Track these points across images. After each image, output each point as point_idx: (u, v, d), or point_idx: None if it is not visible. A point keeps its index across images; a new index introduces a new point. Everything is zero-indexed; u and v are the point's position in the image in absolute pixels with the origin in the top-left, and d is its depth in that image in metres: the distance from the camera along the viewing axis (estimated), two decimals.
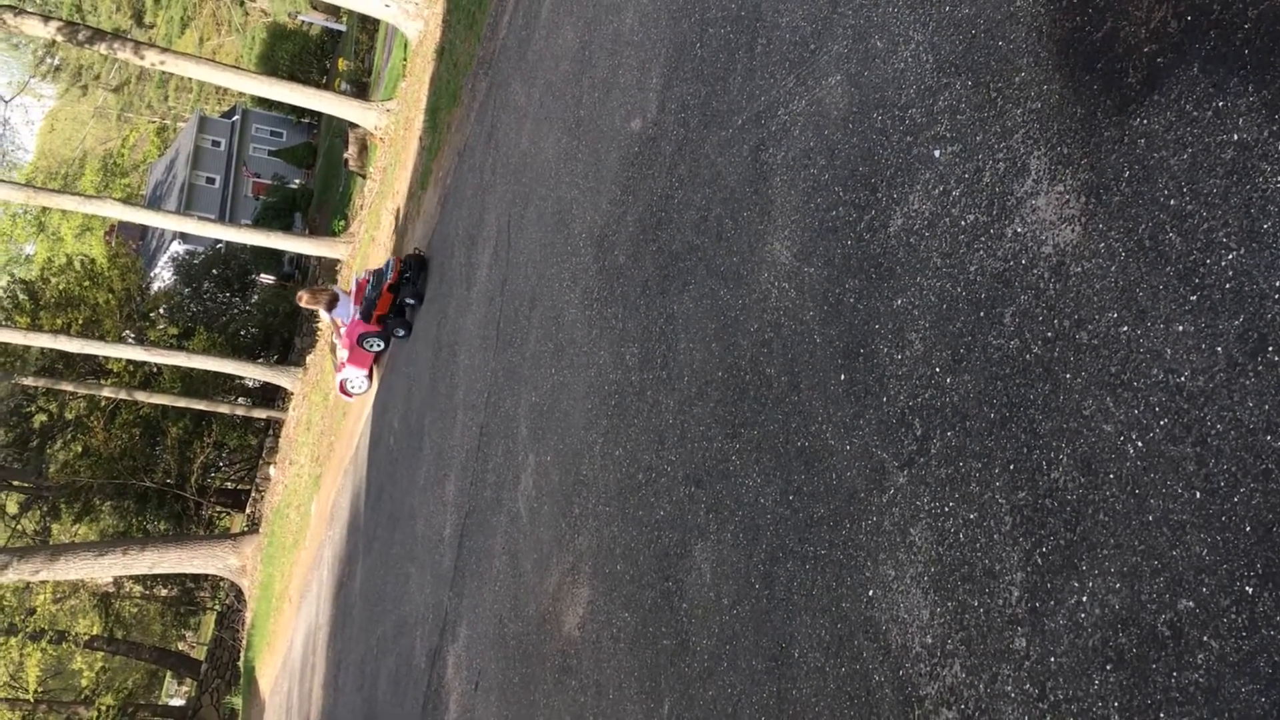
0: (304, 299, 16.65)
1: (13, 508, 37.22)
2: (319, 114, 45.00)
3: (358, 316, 15.80)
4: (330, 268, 26.56)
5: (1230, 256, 2.47)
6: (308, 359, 26.18)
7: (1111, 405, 2.72)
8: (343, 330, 16.16)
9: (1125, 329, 2.72)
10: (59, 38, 18.79)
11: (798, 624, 3.91)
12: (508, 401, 8.34)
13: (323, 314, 16.76)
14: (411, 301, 13.63)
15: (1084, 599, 2.68)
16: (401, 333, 14.05)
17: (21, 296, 32.08)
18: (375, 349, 16.05)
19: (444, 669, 8.65)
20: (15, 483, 35.01)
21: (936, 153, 3.62)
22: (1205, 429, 2.45)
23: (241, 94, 52.72)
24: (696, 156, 5.61)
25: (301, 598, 19.40)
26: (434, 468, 10.58)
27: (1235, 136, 2.52)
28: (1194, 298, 2.54)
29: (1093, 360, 2.80)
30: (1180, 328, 2.56)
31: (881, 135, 3.97)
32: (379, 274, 14.30)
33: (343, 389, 16.96)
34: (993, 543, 3.02)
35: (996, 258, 3.24)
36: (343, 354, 16.36)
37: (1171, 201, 2.66)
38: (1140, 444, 2.61)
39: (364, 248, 20.53)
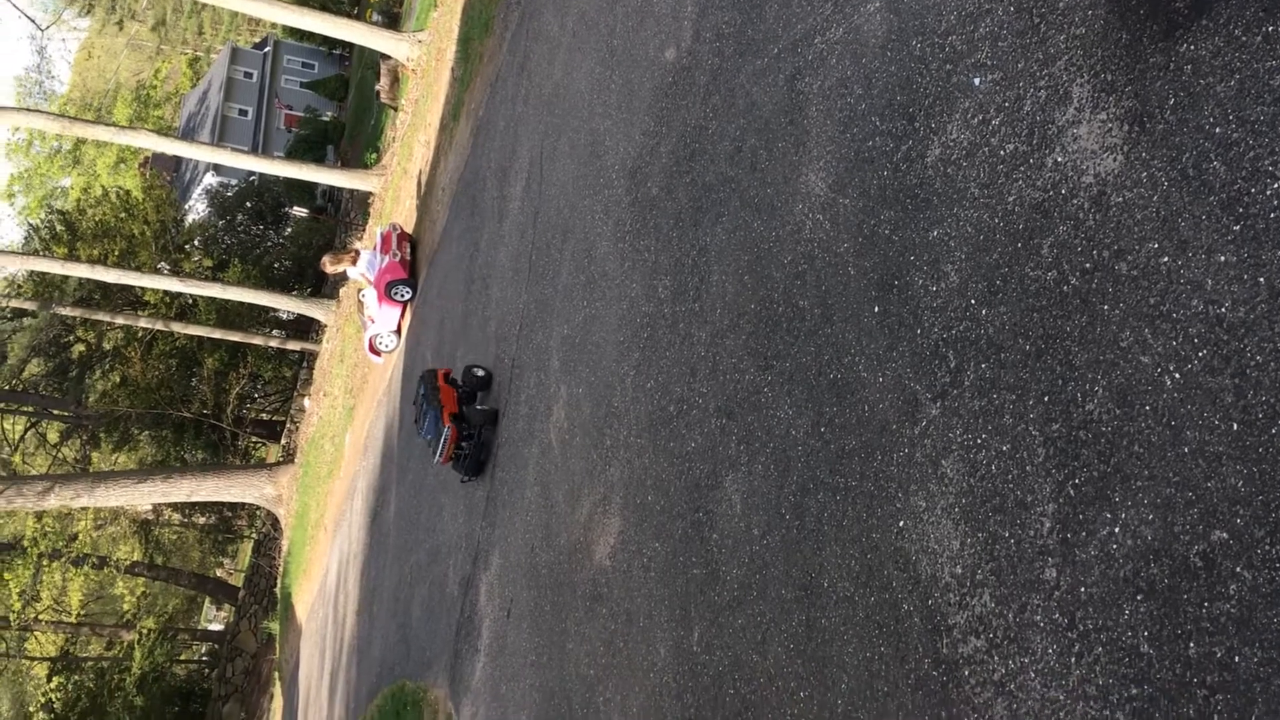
0: (328, 264, 16.80)
1: (53, 436, 37.90)
2: (351, 45, 44.71)
3: (383, 265, 15.87)
4: (363, 200, 26.58)
5: (1276, 185, 2.42)
6: (340, 291, 26.31)
7: (1150, 337, 2.69)
8: (369, 294, 16.19)
9: (1166, 260, 2.69)
10: None
11: (827, 554, 3.93)
12: (539, 334, 8.36)
13: (350, 272, 16.78)
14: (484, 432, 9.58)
15: (1116, 530, 2.68)
16: (468, 479, 9.89)
17: (59, 227, 32.34)
18: (403, 297, 16.02)
19: (476, 597, 8.79)
20: (55, 411, 35.59)
21: (976, 80, 3.56)
22: (1245, 360, 2.43)
23: (274, 25, 52.46)
24: (731, 86, 5.54)
25: (336, 526, 19.71)
26: None
27: None
28: (1237, 228, 2.50)
29: (1132, 291, 2.77)
30: (1222, 258, 2.53)
31: (920, 63, 3.90)
32: (427, 390, 10.27)
33: (371, 348, 16.94)
34: (1025, 474, 3.02)
35: (1036, 188, 3.20)
36: (372, 308, 16.33)
37: (1217, 129, 2.61)
38: (1178, 375, 2.59)
39: (396, 180, 20.50)
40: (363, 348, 17.74)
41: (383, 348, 16.87)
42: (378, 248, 16.37)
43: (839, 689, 3.70)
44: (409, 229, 16.91)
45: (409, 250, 16.25)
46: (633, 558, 5.71)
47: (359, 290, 16.70)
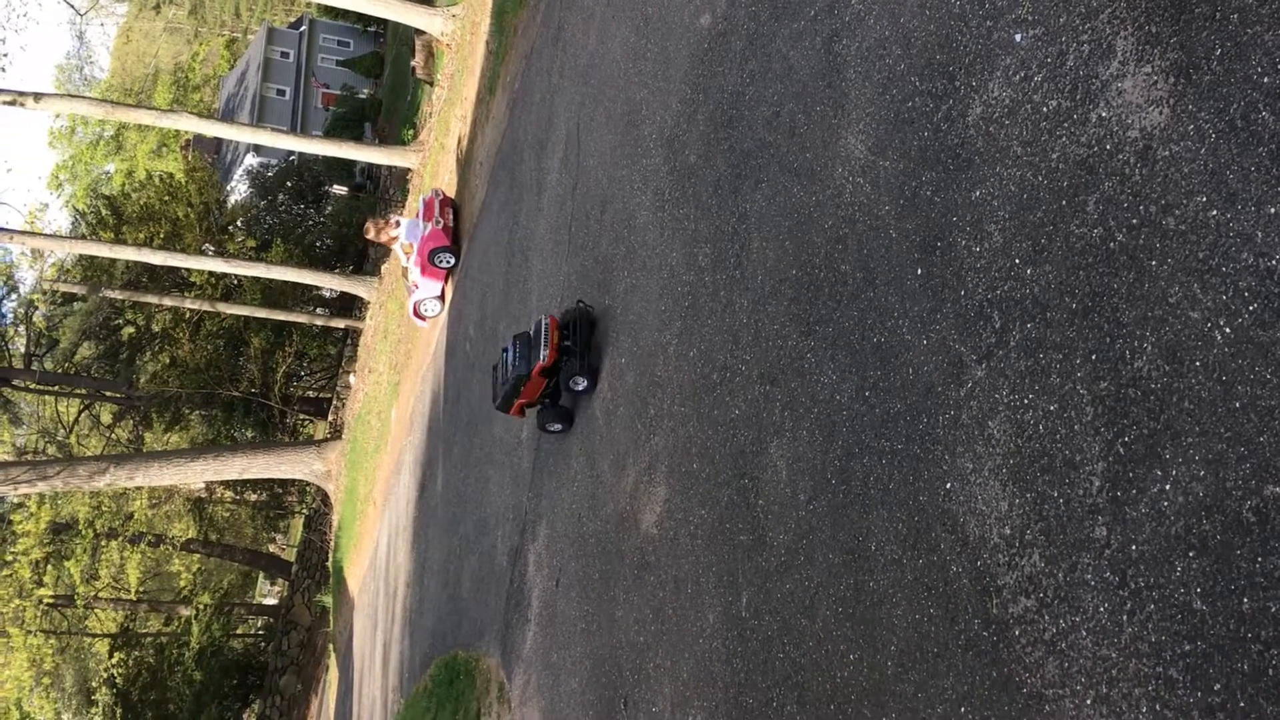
0: (371, 231, 16.84)
1: (106, 418, 38.60)
2: (385, 22, 44.77)
3: (426, 233, 15.90)
4: (401, 177, 26.68)
5: None
6: (382, 268, 26.49)
7: (1199, 291, 2.66)
8: (413, 257, 16.24)
9: (1214, 213, 2.65)
10: None
11: (874, 518, 3.94)
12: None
13: (394, 242, 16.78)
14: (581, 383, 8.10)
15: (1167, 487, 2.66)
16: (558, 427, 8.59)
17: (104, 212, 32.79)
18: (447, 264, 16.07)
19: (525, 567, 8.88)
20: (108, 393, 36.21)
21: (1018, 37, 3.52)
22: None
23: (308, 3, 52.60)
24: (768, 51, 5.50)
25: (385, 501, 19.95)
26: None
27: None
28: None
29: (1180, 246, 2.74)
30: (1273, 210, 2.49)
31: (960, 21, 3.86)
32: (524, 345, 8.90)
33: (416, 313, 17.02)
34: (1073, 433, 3.00)
35: (1080, 144, 3.16)
36: (415, 275, 16.40)
37: (1265, 79, 2.56)
38: (1228, 330, 2.56)
39: (434, 155, 20.56)
40: (407, 311, 17.79)
41: (427, 313, 16.89)
42: (420, 215, 16.42)
43: (888, 651, 3.72)
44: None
45: (452, 216, 16.29)
46: (679, 525, 5.74)
47: (406, 254, 16.71)
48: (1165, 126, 2.85)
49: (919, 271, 3.88)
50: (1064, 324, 3.10)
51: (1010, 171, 3.44)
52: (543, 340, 8.43)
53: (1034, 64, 3.41)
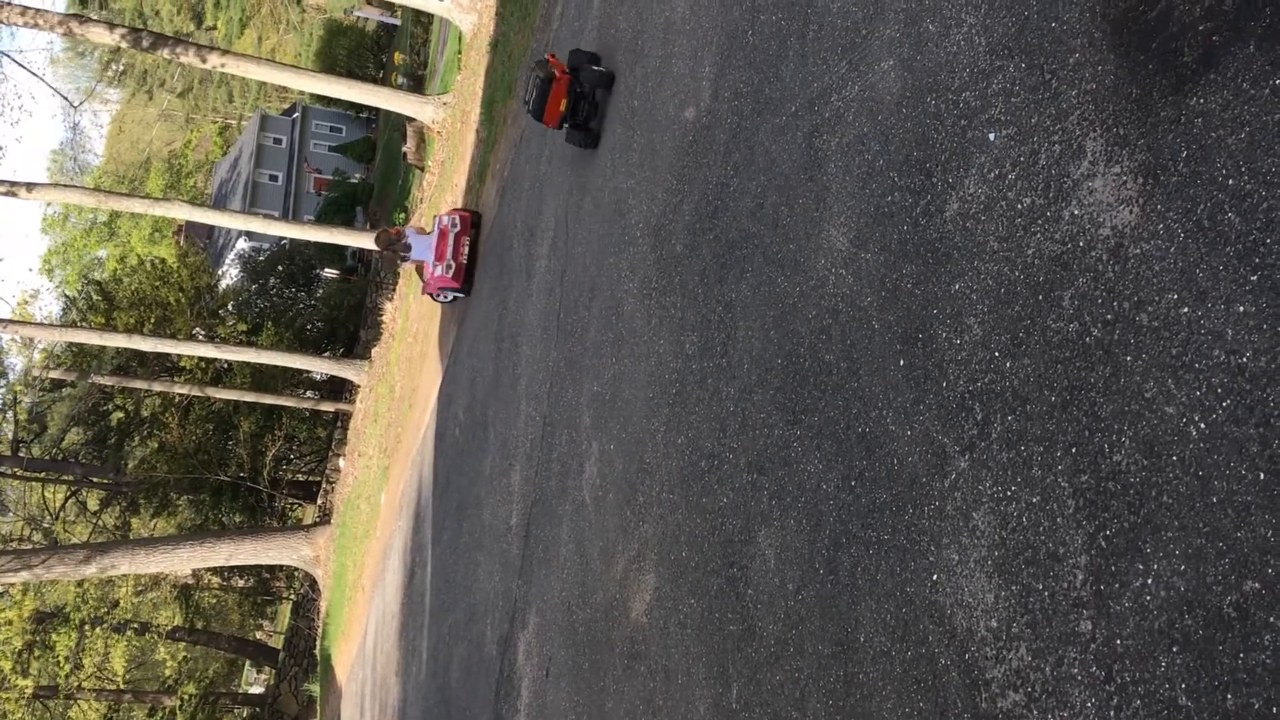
0: (382, 241, 15.38)
1: (93, 504, 38.24)
2: (377, 109, 45.48)
3: (434, 273, 14.73)
4: (392, 261, 26.85)
5: None
6: (373, 352, 26.55)
7: (1173, 387, 2.71)
8: (425, 270, 15.01)
9: (1186, 310, 2.71)
10: (124, 44, 19.20)
11: (863, 609, 3.93)
12: (570, 391, 8.42)
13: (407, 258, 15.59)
14: (599, 90, 8.94)
15: (1149, 581, 2.68)
16: (587, 143, 9.23)
17: (95, 297, 32.89)
18: (446, 300, 15.12)
19: (515, 656, 8.78)
20: (95, 479, 35.96)
21: (991, 136, 3.61)
22: (1269, 410, 2.44)
23: (301, 91, 53.44)
24: (751, 144, 5.62)
25: (374, 586, 19.75)
26: (499, 458, 10.72)
27: None
28: (1254, 277, 2.52)
29: (1153, 342, 2.79)
30: (1241, 308, 2.55)
31: (935, 119, 3.96)
32: (540, 72, 9.53)
33: (433, 287, 15.58)
34: (1056, 526, 3.03)
35: (1054, 240, 3.23)
36: (432, 268, 15.11)
37: (1230, 181, 2.64)
38: (1203, 425, 2.61)
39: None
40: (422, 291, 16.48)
41: (441, 299, 15.78)
42: (433, 246, 15.04)
43: None
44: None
45: (467, 250, 14.62)
46: (669, 614, 5.71)
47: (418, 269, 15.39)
48: (1136, 225, 2.92)
49: (901, 363, 3.93)
50: (1044, 417, 3.15)
51: (988, 266, 3.52)
52: (544, 69, 9.37)
53: (1008, 162, 3.50)
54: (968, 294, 3.60)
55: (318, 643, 29.47)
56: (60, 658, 31.77)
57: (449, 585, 12.45)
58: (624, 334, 7.24)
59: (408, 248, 15.28)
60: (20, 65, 29.85)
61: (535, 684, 8.05)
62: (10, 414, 35.09)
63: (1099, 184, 3.08)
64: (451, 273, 14.68)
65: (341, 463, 29.27)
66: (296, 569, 31.75)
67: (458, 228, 14.65)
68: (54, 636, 31.47)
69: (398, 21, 50.63)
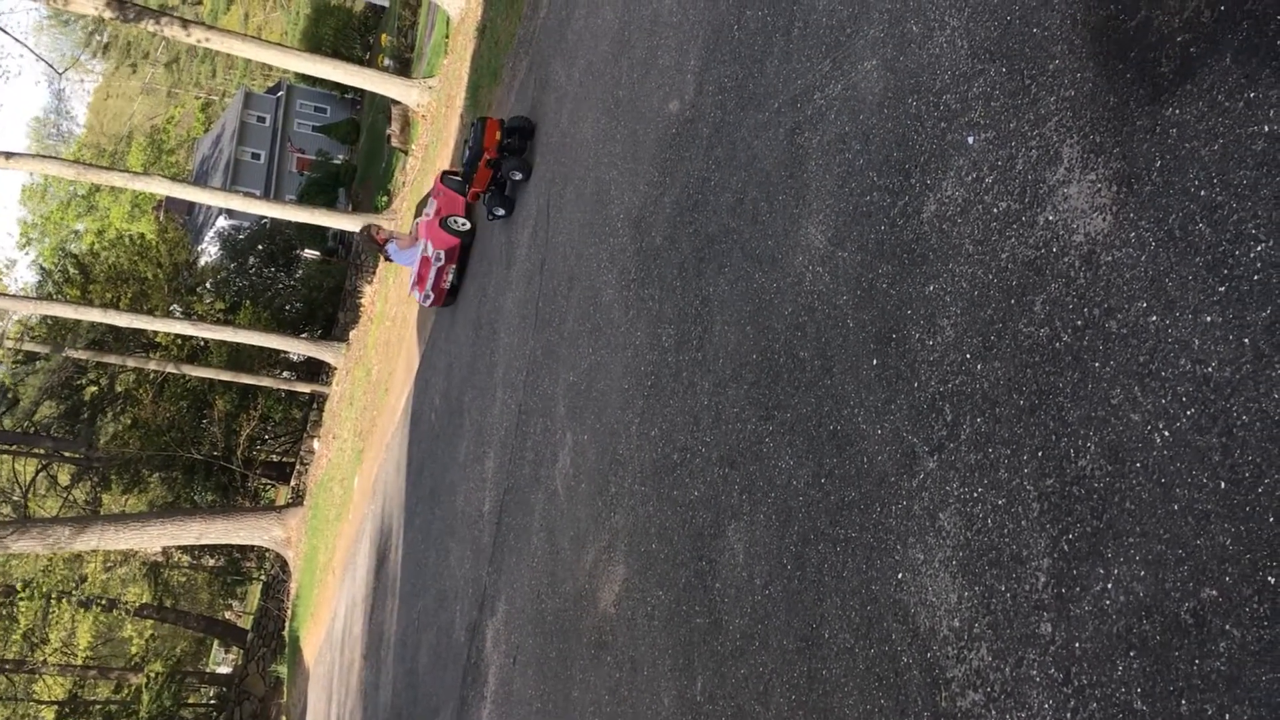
0: (364, 236, 15.23)
1: (64, 478, 38.00)
2: (363, 90, 45.26)
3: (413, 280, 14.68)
4: (372, 245, 26.72)
5: (1259, 248, 2.48)
6: (351, 334, 26.47)
7: (1139, 394, 2.73)
8: (412, 272, 14.80)
9: (1154, 319, 2.73)
10: (107, 14, 19.02)
11: (828, 605, 3.96)
12: (546, 380, 8.42)
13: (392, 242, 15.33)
14: (518, 175, 11.06)
15: (1109, 586, 2.71)
16: (501, 212, 11.41)
17: (72, 270, 32.64)
18: (426, 302, 15.06)
19: (483, 643, 8.79)
20: (67, 454, 35.73)
21: (970, 139, 3.63)
22: (1231, 420, 2.47)
23: (286, 70, 53.12)
24: (733, 139, 5.63)
25: (345, 570, 19.71)
26: (474, 444, 10.71)
27: (1266, 128, 2.52)
28: (1222, 289, 2.55)
29: (1121, 349, 2.82)
30: (1208, 318, 2.58)
31: (916, 121, 3.98)
32: (471, 144, 11.82)
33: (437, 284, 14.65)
34: (1020, 529, 3.05)
35: (1028, 245, 3.25)
36: (412, 286, 15.07)
37: (1202, 192, 2.66)
38: (1167, 433, 2.63)
39: (407, 223, 20.68)
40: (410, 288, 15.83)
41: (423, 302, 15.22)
42: (415, 261, 14.61)
43: None
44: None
45: (450, 279, 14.02)
46: (637, 606, 5.73)
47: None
48: (1108, 232, 2.94)
49: (874, 362, 3.95)
50: (1012, 420, 3.17)
51: (962, 268, 3.53)
52: (479, 137, 11.59)
53: (985, 166, 3.52)
54: (941, 295, 3.62)
55: (287, 624, 29.39)
56: (24, 629, 31.59)
57: (419, 570, 12.44)
58: (601, 325, 7.24)
59: (389, 255, 15.34)
60: (2, 30, 29.51)
61: (502, 671, 8.06)
62: None
63: (1074, 190, 3.11)
64: (429, 302, 14.41)
65: (316, 444, 29.19)
66: (268, 550, 31.65)
67: (441, 261, 13.91)
68: (18, 608, 31.29)
69: (386, 3, 50.40)
